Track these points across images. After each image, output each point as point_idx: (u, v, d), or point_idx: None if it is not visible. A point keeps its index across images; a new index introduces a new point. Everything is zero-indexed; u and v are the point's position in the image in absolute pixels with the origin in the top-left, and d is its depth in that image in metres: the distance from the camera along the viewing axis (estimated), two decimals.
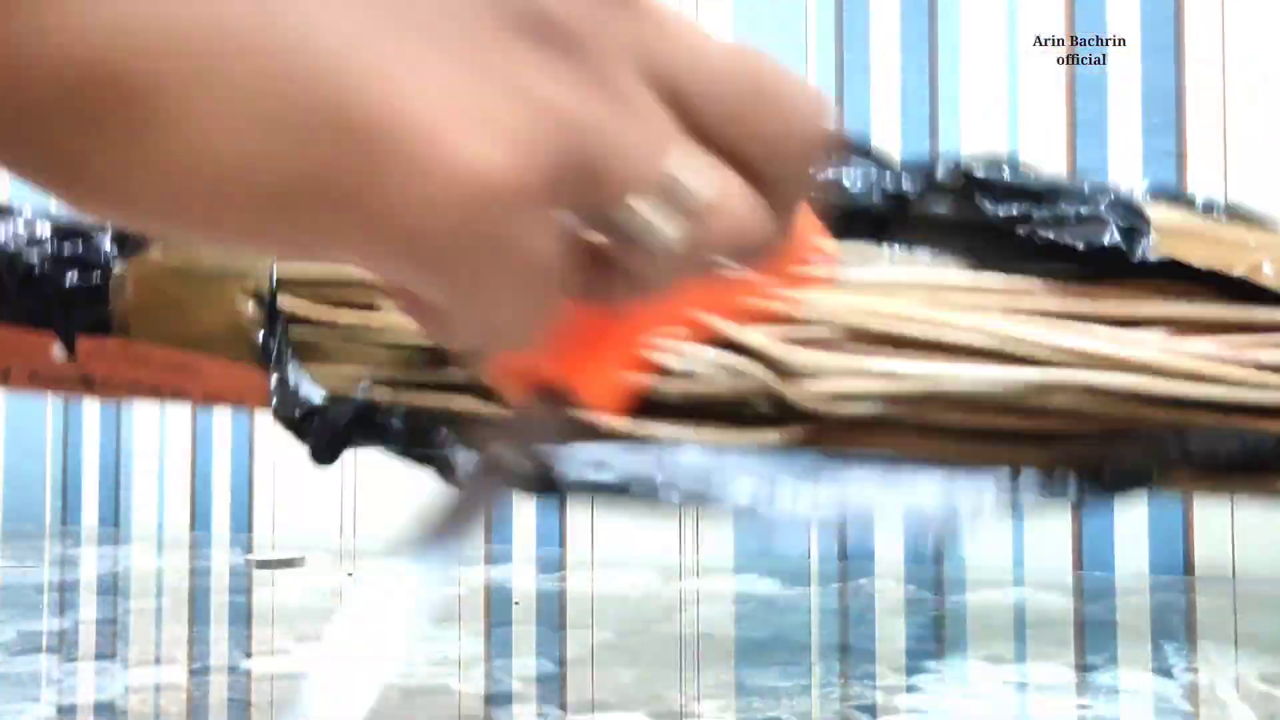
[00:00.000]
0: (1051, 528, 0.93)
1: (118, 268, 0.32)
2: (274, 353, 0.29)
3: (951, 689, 0.54)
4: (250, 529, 1.20)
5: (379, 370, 0.31)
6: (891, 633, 0.69)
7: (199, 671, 0.58)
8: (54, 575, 0.93)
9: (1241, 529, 0.88)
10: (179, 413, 1.25)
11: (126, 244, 0.33)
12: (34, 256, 0.32)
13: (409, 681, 0.55)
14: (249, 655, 0.62)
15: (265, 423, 1.21)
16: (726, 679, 0.57)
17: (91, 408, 1.30)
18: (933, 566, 0.95)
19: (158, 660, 0.61)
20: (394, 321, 0.30)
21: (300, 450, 1.00)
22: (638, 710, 0.50)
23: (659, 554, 1.02)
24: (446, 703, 0.52)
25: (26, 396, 1.33)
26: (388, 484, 1.15)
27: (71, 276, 0.32)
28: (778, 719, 0.49)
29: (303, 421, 0.30)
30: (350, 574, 0.93)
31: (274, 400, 0.31)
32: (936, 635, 0.68)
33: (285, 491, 1.19)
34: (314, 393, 0.29)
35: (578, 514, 1.06)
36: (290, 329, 0.29)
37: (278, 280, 0.29)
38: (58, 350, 0.34)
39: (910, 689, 0.54)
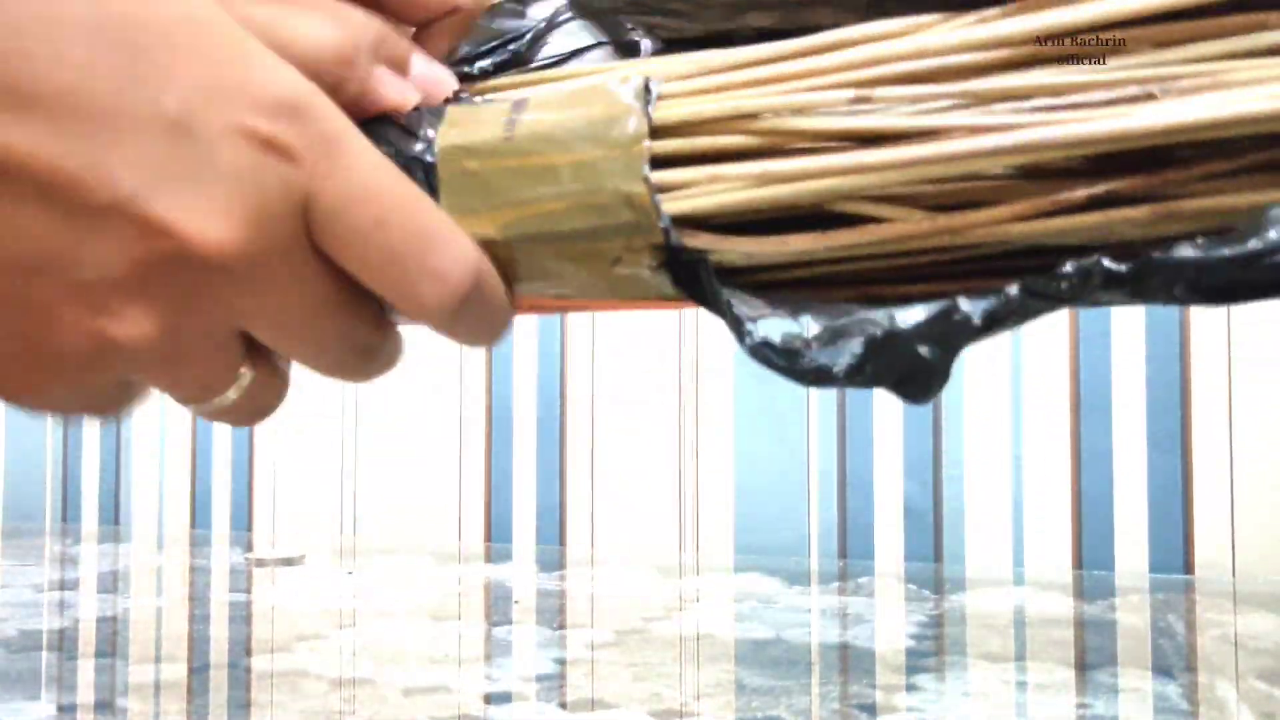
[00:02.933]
0: (1052, 528, 0.93)
1: None
2: (719, 304, 0.24)
3: (951, 689, 0.54)
4: (250, 528, 1.20)
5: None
6: (891, 633, 0.69)
7: (199, 669, 0.58)
8: (54, 574, 0.93)
9: (1241, 529, 0.88)
10: (179, 413, 1.25)
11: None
12: None
13: (409, 681, 0.55)
14: (249, 653, 0.62)
15: (265, 422, 1.21)
16: (726, 679, 0.57)
17: None
18: (933, 566, 0.95)
19: (158, 658, 0.61)
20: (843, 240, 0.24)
21: (300, 450, 1.00)
22: (638, 710, 0.50)
23: (659, 554, 1.02)
24: (446, 702, 0.52)
25: None
26: (388, 484, 1.15)
27: None
28: (778, 719, 0.49)
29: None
30: (350, 573, 0.93)
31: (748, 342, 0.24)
32: (936, 635, 0.68)
33: (285, 491, 1.19)
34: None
35: (578, 512, 1.06)
36: (717, 271, 0.24)
37: (673, 221, 0.24)
38: None
39: (910, 689, 0.54)
